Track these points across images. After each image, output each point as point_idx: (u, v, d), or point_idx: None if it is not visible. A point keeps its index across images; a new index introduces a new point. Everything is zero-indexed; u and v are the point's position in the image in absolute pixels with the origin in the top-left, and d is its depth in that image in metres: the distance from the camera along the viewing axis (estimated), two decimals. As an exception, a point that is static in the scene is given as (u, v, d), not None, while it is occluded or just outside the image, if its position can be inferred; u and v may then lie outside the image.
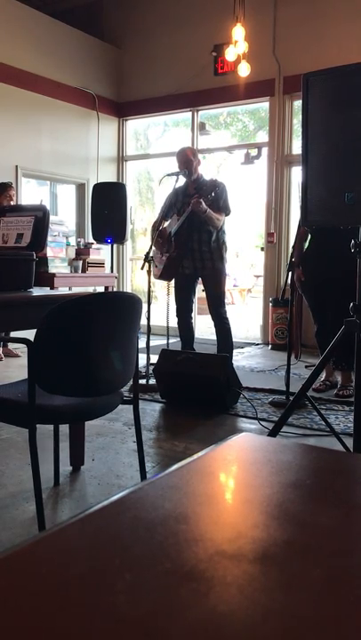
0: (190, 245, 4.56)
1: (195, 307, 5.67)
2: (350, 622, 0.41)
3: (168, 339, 4.81)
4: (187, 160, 4.61)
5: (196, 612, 0.41)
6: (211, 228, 4.53)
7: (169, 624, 0.40)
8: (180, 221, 4.53)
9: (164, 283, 4.98)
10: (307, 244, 4.32)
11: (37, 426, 1.94)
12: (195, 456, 0.68)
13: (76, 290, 4.58)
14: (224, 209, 4.57)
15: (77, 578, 0.45)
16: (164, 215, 4.71)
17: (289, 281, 4.14)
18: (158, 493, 0.60)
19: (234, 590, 0.44)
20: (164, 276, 4.72)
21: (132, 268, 8.50)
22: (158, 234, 4.60)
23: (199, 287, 4.92)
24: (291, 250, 4.11)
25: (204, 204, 4.35)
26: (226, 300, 4.96)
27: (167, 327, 4.82)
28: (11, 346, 5.91)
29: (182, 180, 4.66)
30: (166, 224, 4.75)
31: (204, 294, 4.84)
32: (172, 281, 4.87)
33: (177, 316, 4.82)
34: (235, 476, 0.68)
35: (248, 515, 0.57)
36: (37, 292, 2.66)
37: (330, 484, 0.66)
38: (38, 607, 0.42)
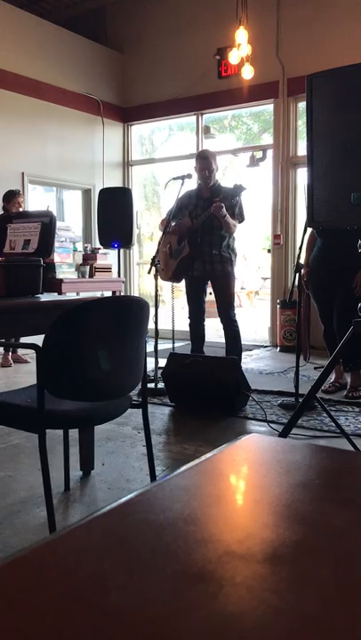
0: (202, 248, 4.58)
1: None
2: (360, 622, 0.40)
3: (174, 342, 4.81)
4: (211, 171, 4.63)
5: (206, 612, 0.41)
6: (223, 233, 4.54)
7: (178, 625, 0.39)
8: (196, 223, 4.56)
9: (173, 287, 4.98)
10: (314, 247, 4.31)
11: (47, 431, 1.94)
12: (203, 457, 0.68)
13: (83, 295, 4.59)
14: (239, 216, 4.59)
15: (86, 579, 0.45)
16: (173, 216, 4.71)
17: (296, 282, 4.13)
18: (167, 495, 0.59)
19: (243, 591, 0.43)
20: (174, 277, 4.74)
21: (139, 272, 8.51)
22: (172, 231, 4.61)
23: (207, 290, 4.92)
24: (298, 251, 4.11)
25: (224, 208, 4.37)
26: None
27: (173, 330, 4.82)
28: (20, 352, 5.93)
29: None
30: (174, 224, 4.76)
31: (212, 297, 4.84)
32: (179, 284, 4.88)
33: (189, 318, 4.83)
34: (243, 476, 0.68)
35: (257, 515, 0.57)
36: (45, 297, 2.66)
37: (339, 483, 0.66)
38: (48, 609, 0.42)
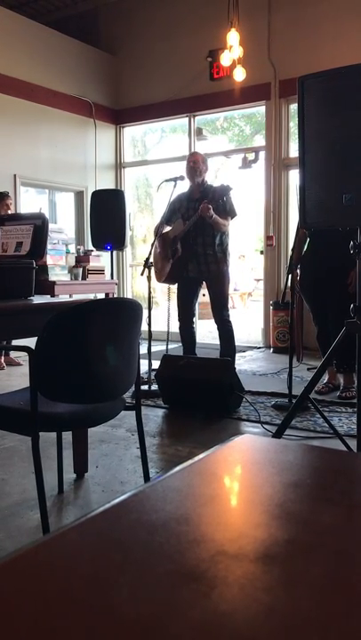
0: (195, 249, 4.59)
1: (196, 311, 5.65)
2: (352, 620, 0.41)
3: (168, 344, 4.81)
4: (197, 165, 4.64)
5: (199, 611, 0.41)
6: (216, 232, 4.56)
7: (172, 624, 0.40)
8: (187, 226, 4.56)
9: (165, 288, 4.99)
10: (305, 247, 4.32)
11: (40, 434, 1.94)
12: (196, 458, 0.68)
13: (76, 297, 4.58)
14: (230, 212, 4.59)
15: (80, 580, 0.45)
16: (167, 220, 4.73)
17: (289, 283, 4.14)
18: (159, 495, 0.60)
19: (236, 590, 0.44)
20: (168, 279, 4.75)
21: (132, 274, 8.51)
22: (160, 237, 4.63)
23: (200, 292, 4.93)
24: (290, 252, 4.12)
25: (212, 209, 4.38)
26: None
27: (168, 332, 4.82)
28: (12, 354, 5.91)
29: (180, 186, 4.67)
30: (168, 229, 4.77)
31: (204, 299, 4.85)
32: (174, 286, 4.88)
33: (179, 320, 4.83)
34: (236, 476, 0.68)
35: (249, 515, 0.57)
36: (38, 299, 2.66)
37: (331, 483, 0.66)
38: (41, 609, 0.42)
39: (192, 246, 4.58)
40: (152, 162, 8.39)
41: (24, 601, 0.43)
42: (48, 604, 0.42)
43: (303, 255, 4.29)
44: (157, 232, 4.67)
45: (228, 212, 4.57)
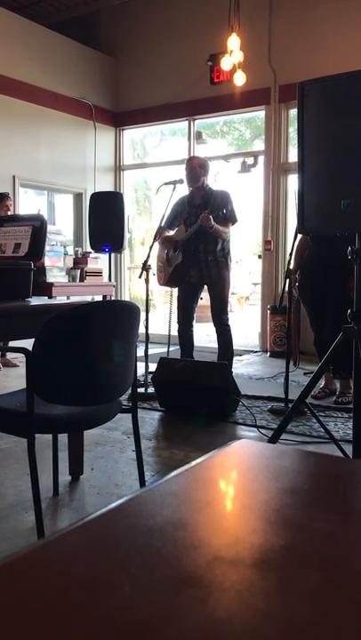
0: (197, 256, 4.61)
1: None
2: (348, 627, 0.41)
3: (169, 347, 4.81)
4: (194, 172, 4.65)
5: (195, 617, 0.41)
6: (218, 238, 4.57)
7: (167, 629, 0.40)
8: (188, 233, 4.58)
9: (163, 291, 5.01)
10: (307, 251, 4.33)
11: (36, 435, 1.93)
12: (193, 463, 0.68)
13: (74, 299, 4.58)
14: (231, 219, 4.60)
15: (76, 585, 0.45)
16: (169, 225, 4.75)
17: (287, 288, 4.15)
18: (156, 500, 0.60)
19: (232, 595, 0.44)
20: (170, 283, 4.77)
21: (130, 276, 8.51)
22: (164, 239, 4.64)
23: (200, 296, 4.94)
24: (288, 257, 4.12)
25: (212, 220, 4.38)
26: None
27: (169, 335, 4.82)
28: (9, 355, 5.90)
29: (180, 189, 4.67)
30: (171, 232, 4.78)
31: (202, 302, 4.86)
32: (175, 288, 4.91)
33: (178, 323, 4.84)
34: (233, 482, 0.68)
35: (246, 520, 0.57)
36: (35, 301, 2.66)
37: (327, 489, 0.66)
38: (37, 614, 0.42)
39: (194, 253, 4.61)
40: (151, 165, 8.40)
41: (20, 604, 0.43)
42: (44, 608, 0.42)
43: (303, 261, 4.30)
44: (157, 235, 4.67)
45: (228, 218, 4.58)
